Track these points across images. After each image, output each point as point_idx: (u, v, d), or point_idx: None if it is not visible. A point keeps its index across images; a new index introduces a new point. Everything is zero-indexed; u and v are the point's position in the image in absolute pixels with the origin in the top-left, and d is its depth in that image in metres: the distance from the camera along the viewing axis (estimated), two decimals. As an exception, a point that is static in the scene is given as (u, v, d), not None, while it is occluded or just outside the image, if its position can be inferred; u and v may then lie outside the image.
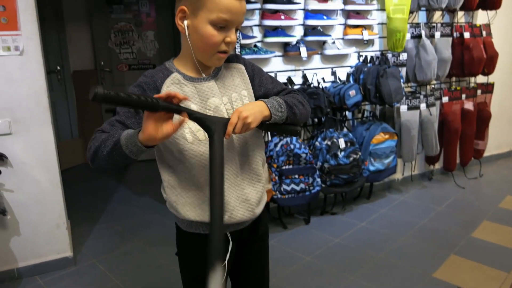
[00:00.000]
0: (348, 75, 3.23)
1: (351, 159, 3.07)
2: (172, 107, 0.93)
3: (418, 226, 3.08)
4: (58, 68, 4.32)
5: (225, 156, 1.09)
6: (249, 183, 1.21)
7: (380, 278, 2.42)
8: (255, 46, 2.83)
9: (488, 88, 4.05)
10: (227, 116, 1.13)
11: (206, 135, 1.06)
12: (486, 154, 4.29)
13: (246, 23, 2.74)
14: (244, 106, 1.08)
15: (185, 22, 1.08)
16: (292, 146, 2.85)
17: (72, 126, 4.61)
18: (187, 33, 1.09)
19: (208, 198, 1.10)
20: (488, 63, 3.79)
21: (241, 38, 2.72)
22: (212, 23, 1.05)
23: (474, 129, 3.94)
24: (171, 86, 1.11)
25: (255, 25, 2.83)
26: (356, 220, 3.18)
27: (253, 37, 2.79)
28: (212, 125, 1.00)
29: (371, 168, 3.28)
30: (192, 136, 1.10)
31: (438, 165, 4.06)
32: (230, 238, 1.21)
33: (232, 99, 1.17)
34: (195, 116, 1.00)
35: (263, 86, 1.25)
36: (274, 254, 2.66)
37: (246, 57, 2.71)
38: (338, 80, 3.20)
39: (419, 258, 2.64)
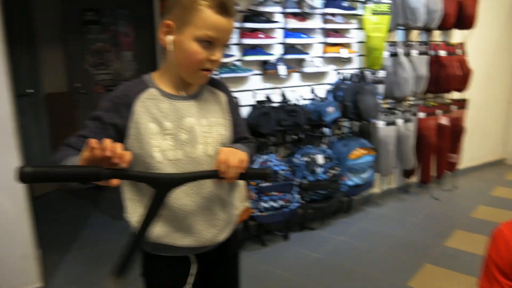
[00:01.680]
0: (327, 92, 3.27)
1: (330, 174, 3.10)
2: (116, 173, 0.86)
3: (394, 238, 3.15)
4: (30, 91, 4.06)
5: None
6: (220, 207, 1.20)
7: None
8: (233, 64, 2.84)
9: (462, 104, 4.15)
10: (201, 138, 1.13)
11: (177, 154, 1.08)
12: (460, 166, 4.39)
13: (225, 42, 2.74)
14: (228, 154, 1.07)
15: (170, 37, 1.06)
16: (270, 164, 2.86)
17: (44, 150, 4.31)
18: (171, 49, 1.07)
19: (172, 220, 1.12)
20: (463, 80, 3.90)
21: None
22: (198, 39, 1.04)
23: (449, 143, 4.04)
24: (147, 101, 1.09)
25: (234, 44, 2.83)
26: (335, 235, 3.21)
27: (231, 55, 2.79)
28: (157, 182, 0.97)
29: (350, 183, 3.31)
30: (162, 155, 1.08)
31: (414, 179, 4.13)
32: (191, 260, 1.20)
33: (212, 123, 1.16)
34: (138, 176, 0.98)
35: (236, 126, 1.26)
36: (253, 271, 2.69)
37: (224, 75, 2.74)
38: (317, 98, 3.23)
39: (395, 268, 2.73)
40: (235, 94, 2.79)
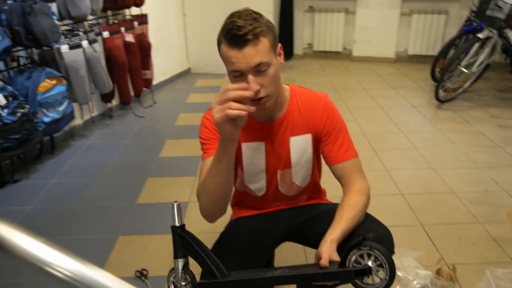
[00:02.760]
0: (-15, 16, 2.66)
1: (19, 114, 2.67)
2: None
3: (111, 165, 3.11)
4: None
5: None
6: None
7: (88, 225, 2.38)
8: None
9: (143, 19, 4.22)
10: None
11: None
12: (155, 82, 4.60)
13: None
14: None
15: None
16: None
17: None
18: None
19: None
20: (138, -6, 3.92)
21: None
22: None
23: (139, 60, 4.10)
24: None
25: None
26: (45, 180, 2.89)
27: None
28: None
29: (46, 119, 2.96)
30: None
31: (115, 102, 4.08)
32: None
33: None
34: None
35: None
36: None
37: None
38: (-28, 24, 2.60)
39: (121, 192, 2.73)
40: None
